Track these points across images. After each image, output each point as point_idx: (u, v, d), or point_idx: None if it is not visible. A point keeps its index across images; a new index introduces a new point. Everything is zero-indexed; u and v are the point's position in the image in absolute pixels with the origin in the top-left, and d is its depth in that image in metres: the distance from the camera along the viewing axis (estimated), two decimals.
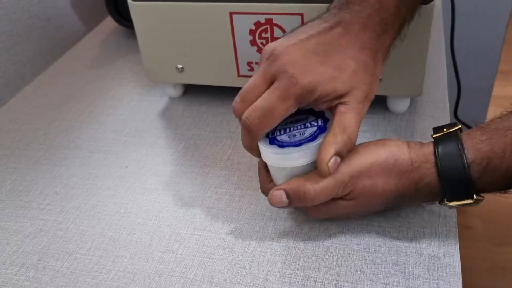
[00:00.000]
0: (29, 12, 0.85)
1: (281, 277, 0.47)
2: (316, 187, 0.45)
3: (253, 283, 0.47)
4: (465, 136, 0.45)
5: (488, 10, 1.26)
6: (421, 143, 0.47)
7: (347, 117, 0.44)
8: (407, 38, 0.58)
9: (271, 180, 0.50)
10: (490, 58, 1.36)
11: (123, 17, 0.92)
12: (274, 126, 0.46)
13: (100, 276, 0.49)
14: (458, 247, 0.48)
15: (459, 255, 0.47)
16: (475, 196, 0.44)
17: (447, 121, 0.64)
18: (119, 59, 0.88)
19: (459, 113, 0.96)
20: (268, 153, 0.46)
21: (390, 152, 0.45)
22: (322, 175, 0.45)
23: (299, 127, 0.47)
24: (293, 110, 0.45)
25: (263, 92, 0.44)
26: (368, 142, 0.48)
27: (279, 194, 0.47)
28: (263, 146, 0.47)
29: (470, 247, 1.40)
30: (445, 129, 0.47)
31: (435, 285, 0.45)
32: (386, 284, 0.45)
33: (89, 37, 0.97)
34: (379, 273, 0.46)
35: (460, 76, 0.94)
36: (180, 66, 0.68)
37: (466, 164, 0.43)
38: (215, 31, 0.64)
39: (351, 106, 0.45)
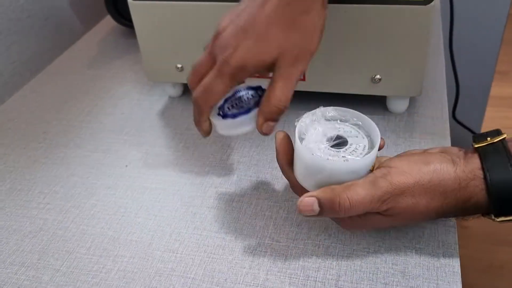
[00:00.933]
0: (28, 11, 0.85)
1: (281, 277, 0.47)
2: (353, 199, 0.43)
3: (253, 283, 0.47)
4: None
5: (486, 11, 1.26)
6: (465, 154, 0.45)
7: (272, 87, 0.48)
8: (406, 38, 0.59)
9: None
10: (488, 58, 1.36)
11: (123, 16, 0.92)
12: (217, 101, 0.51)
13: (100, 275, 0.49)
14: (458, 247, 0.48)
15: (458, 255, 0.47)
16: None
17: (446, 121, 0.65)
18: (118, 59, 0.88)
19: (457, 113, 0.96)
20: (217, 124, 0.53)
21: (435, 171, 0.43)
22: (360, 186, 0.43)
23: (247, 100, 0.53)
24: (231, 87, 0.49)
25: (210, 69, 0.49)
26: (411, 155, 0.46)
27: (310, 202, 0.44)
28: (214, 120, 0.53)
29: (467, 247, 1.41)
30: (488, 138, 0.45)
31: (434, 285, 0.45)
32: (385, 284, 0.45)
33: (88, 36, 0.97)
34: (378, 273, 0.46)
35: (459, 76, 0.94)
36: (180, 66, 0.68)
37: None
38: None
39: (278, 73, 0.47)
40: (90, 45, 0.94)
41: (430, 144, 0.60)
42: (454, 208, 0.44)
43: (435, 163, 0.44)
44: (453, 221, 0.51)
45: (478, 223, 1.53)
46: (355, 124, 0.48)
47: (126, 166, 0.63)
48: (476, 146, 0.45)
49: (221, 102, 0.53)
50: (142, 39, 0.68)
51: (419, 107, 0.67)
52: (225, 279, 0.47)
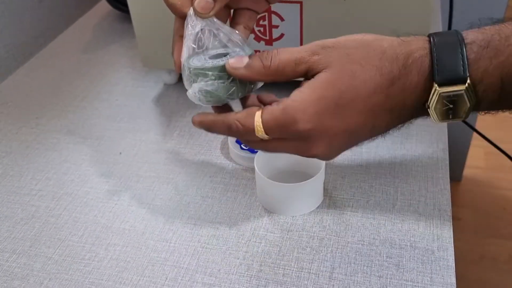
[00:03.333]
0: None
1: (275, 268, 0.47)
2: (281, 49, 0.41)
3: (247, 274, 0.47)
4: (465, 31, 0.40)
5: (484, 8, 1.26)
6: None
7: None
8: (406, 31, 0.58)
9: None
10: None
11: (118, 1, 0.90)
12: None
13: (92, 264, 0.49)
14: (452, 240, 0.48)
15: (453, 249, 0.47)
16: (468, 81, 0.38)
17: None
18: (113, 44, 0.87)
19: None
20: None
21: (370, 35, 0.42)
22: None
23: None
24: None
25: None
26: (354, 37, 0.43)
27: (240, 59, 0.42)
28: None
29: (459, 239, 1.41)
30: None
31: (428, 278, 0.45)
32: (380, 277, 0.45)
33: (83, 20, 0.96)
34: (373, 266, 0.46)
35: None
36: None
37: (461, 38, 0.39)
38: None
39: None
40: (84, 30, 0.92)
41: (427, 137, 0.60)
42: (396, 65, 0.40)
43: (371, 34, 0.42)
44: (448, 214, 0.50)
45: (470, 215, 1.53)
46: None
47: (120, 153, 0.62)
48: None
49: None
50: (137, 24, 0.67)
51: None
52: (219, 270, 0.47)
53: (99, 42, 0.88)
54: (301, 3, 0.59)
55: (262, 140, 0.43)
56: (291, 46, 0.62)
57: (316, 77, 0.40)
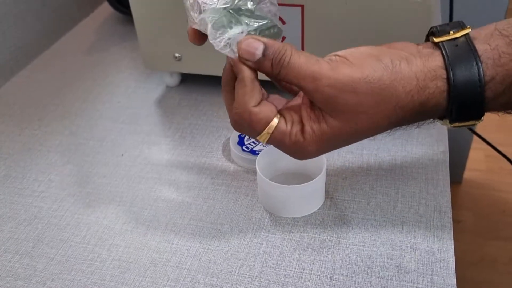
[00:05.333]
0: None
1: (277, 269, 0.47)
2: (294, 57, 0.39)
3: (249, 274, 0.47)
4: (482, 45, 0.38)
5: (484, 9, 1.26)
6: (424, 50, 0.40)
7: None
8: (406, 36, 0.58)
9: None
10: None
11: (120, 3, 0.91)
12: None
13: (95, 264, 0.49)
14: (453, 242, 0.48)
15: (453, 251, 0.48)
16: (482, 118, 0.39)
17: None
18: (115, 46, 0.87)
19: None
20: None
21: (387, 69, 0.39)
22: (304, 54, 0.40)
23: None
24: None
25: None
26: (365, 47, 0.41)
27: (256, 45, 0.40)
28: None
29: (459, 241, 1.41)
30: (451, 32, 0.40)
31: (429, 280, 0.45)
32: (381, 278, 0.45)
33: (85, 23, 0.96)
34: (374, 267, 0.47)
35: None
36: (178, 55, 0.68)
37: (483, 83, 0.37)
38: None
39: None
40: (87, 32, 0.93)
41: (428, 140, 0.60)
42: (410, 113, 0.39)
43: (387, 59, 0.39)
44: (448, 216, 0.51)
45: (470, 217, 1.53)
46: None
47: (122, 155, 0.62)
48: (436, 40, 0.40)
49: None
50: (140, 26, 0.67)
51: None
52: (220, 271, 0.47)
53: (101, 44, 0.88)
54: (302, 6, 0.59)
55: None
56: None
57: (327, 122, 0.40)
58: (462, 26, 0.40)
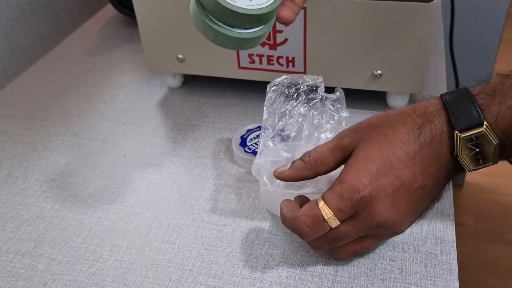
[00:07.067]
0: None
1: (279, 271, 0.47)
2: (317, 149, 0.45)
3: (251, 276, 0.47)
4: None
5: (486, 10, 1.26)
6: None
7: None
8: (409, 35, 0.58)
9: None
10: (487, 57, 1.37)
11: (123, 5, 0.91)
12: None
13: (96, 265, 0.49)
14: (455, 244, 0.48)
15: (456, 253, 0.47)
16: (485, 122, 0.40)
17: None
18: (118, 48, 0.87)
19: None
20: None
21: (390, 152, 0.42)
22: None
23: None
24: None
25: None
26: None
27: (284, 168, 0.47)
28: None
29: (462, 244, 1.41)
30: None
31: (431, 282, 0.45)
32: (383, 280, 0.45)
33: (88, 24, 0.97)
34: (376, 269, 0.46)
35: (458, 74, 0.94)
36: (181, 56, 0.68)
37: (469, 92, 0.42)
38: None
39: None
40: (90, 34, 0.93)
41: None
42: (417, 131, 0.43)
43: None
44: (451, 218, 0.51)
45: (472, 221, 1.53)
46: None
47: (124, 155, 0.62)
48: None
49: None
50: (143, 28, 0.67)
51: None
52: (222, 272, 0.47)
53: (104, 46, 0.89)
54: (305, 8, 0.59)
55: (331, 230, 0.42)
56: (295, 51, 0.63)
57: (353, 154, 0.43)
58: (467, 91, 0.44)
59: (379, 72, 0.62)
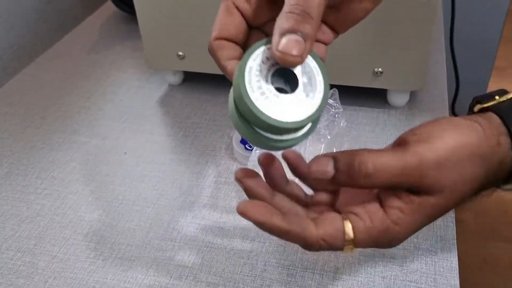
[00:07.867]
0: None
1: (279, 268, 0.47)
2: (376, 161, 0.34)
3: (251, 273, 0.47)
4: None
5: (486, 8, 1.26)
6: (481, 114, 0.39)
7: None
8: (410, 32, 0.58)
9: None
10: (487, 54, 1.37)
11: (123, 2, 0.91)
12: None
13: (97, 262, 0.49)
14: (456, 242, 0.48)
15: (456, 251, 0.47)
16: None
17: (446, 115, 0.64)
18: (118, 45, 0.87)
19: (456, 107, 0.96)
20: None
21: (466, 135, 0.36)
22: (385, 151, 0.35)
23: None
24: None
25: None
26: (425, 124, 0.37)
27: (325, 162, 0.36)
28: None
29: (461, 242, 1.41)
30: (497, 97, 0.39)
31: (432, 280, 0.45)
32: (383, 278, 0.45)
33: (88, 21, 0.96)
34: (377, 266, 0.46)
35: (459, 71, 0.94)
36: (181, 53, 0.68)
37: None
38: None
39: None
40: (90, 31, 0.93)
41: None
42: (495, 173, 0.37)
43: (462, 123, 0.37)
44: (451, 216, 0.51)
45: (472, 218, 1.53)
46: None
47: (125, 153, 0.62)
48: (486, 106, 0.39)
49: None
50: (143, 25, 0.67)
51: (420, 101, 0.67)
52: (223, 269, 0.47)
53: (104, 43, 0.88)
54: None
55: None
56: None
57: (424, 201, 0.36)
58: (504, 92, 0.40)
59: (379, 69, 0.62)
